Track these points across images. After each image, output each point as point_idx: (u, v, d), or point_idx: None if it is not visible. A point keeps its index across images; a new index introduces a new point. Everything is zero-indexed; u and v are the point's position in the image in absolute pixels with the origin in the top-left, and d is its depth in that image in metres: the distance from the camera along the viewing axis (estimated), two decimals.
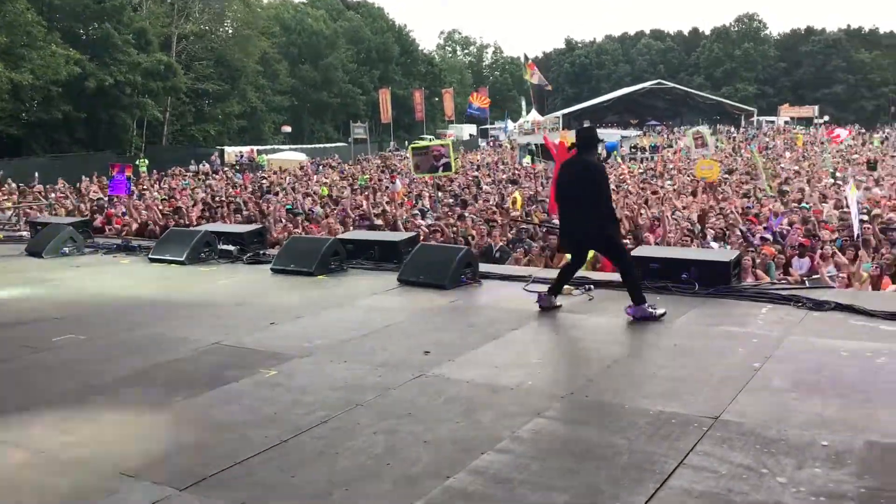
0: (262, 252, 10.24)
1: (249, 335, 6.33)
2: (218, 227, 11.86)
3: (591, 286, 7.69)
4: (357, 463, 3.84)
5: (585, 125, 7.69)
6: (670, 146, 44.80)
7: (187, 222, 14.67)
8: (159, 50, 45.63)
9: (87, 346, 6.11)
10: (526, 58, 51.71)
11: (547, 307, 6.87)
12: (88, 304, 7.72)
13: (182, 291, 8.27)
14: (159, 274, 9.33)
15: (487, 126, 69.23)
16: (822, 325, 6.23)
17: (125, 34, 42.02)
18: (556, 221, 13.72)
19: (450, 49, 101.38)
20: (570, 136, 19.73)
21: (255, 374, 5.27)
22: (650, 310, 6.49)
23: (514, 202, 16.32)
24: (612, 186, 20.59)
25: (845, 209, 12.65)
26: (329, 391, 4.91)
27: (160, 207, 16.32)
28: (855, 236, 11.52)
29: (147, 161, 38.08)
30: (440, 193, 20.07)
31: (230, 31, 55.69)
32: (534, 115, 58.15)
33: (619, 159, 37.43)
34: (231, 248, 10.17)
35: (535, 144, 35.90)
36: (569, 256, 10.43)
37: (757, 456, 3.79)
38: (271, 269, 9.20)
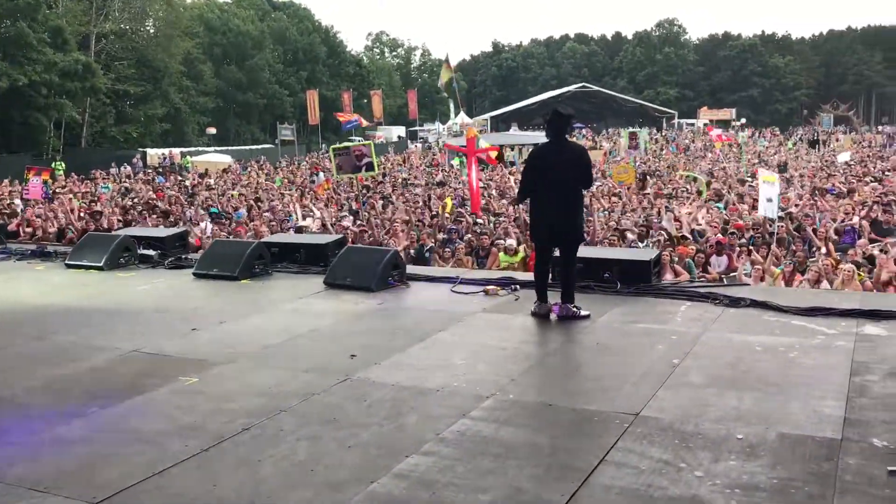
0: (184, 256, 9.99)
1: (170, 342, 6.17)
2: (138, 231, 11.52)
3: (517, 286, 7.75)
4: (280, 470, 3.78)
5: (563, 110, 7.45)
6: (595, 148, 45.58)
7: (107, 227, 14.23)
8: (77, 49, 44.02)
9: None
10: (447, 58, 51.31)
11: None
12: None
13: (100, 298, 8.00)
14: (76, 280, 8.99)
15: (416, 128, 69.22)
16: (738, 322, 6.43)
17: (40, 33, 40.42)
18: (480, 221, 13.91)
19: (378, 51, 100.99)
20: (477, 132, 19.64)
21: (175, 382, 5.14)
22: (574, 309, 6.60)
23: (443, 208, 16.34)
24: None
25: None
26: (252, 398, 4.82)
27: (79, 210, 15.80)
28: (763, 220, 12.03)
29: (64, 164, 36.73)
30: (366, 192, 20.00)
31: (152, 31, 54.22)
32: (462, 117, 58.34)
33: None
34: (151, 252, 9.89)
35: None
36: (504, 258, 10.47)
37: (675, 451, 3.88)
38: (193, 274, 8.99)
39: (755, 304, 6.83)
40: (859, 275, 9.31)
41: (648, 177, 22.85)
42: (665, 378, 4.99)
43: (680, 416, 4.33)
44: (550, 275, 6.84)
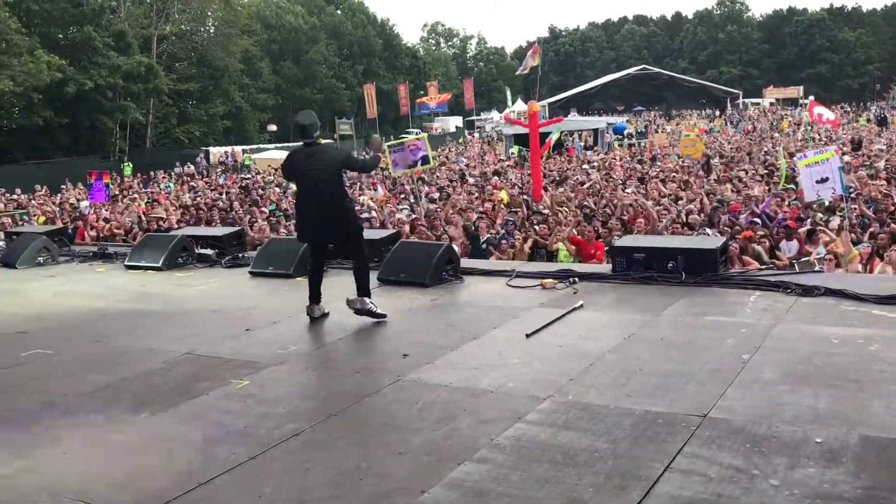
0: (240, 255, 10.00)
1: (223, 343, 6.12)
2: (196, 230, 11.60)
3: (576, 279, 7.49)
4: (328, 479, 3.65)
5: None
6: (658, 131, 44.65)
7: (168, 226, 14.42)
8: (139, 52, 45.10)
9: (53, 362, 5.88)
10: (540, 40, 50.01)
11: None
12: (59, 315, 7.46)
13: (156, 299, 8.03)
14: (134, 281, 9.06)
15: (473, 118, 68.88)
16: (813, 312, 6.04)
17: (104, 37, 41.45)
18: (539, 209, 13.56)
19: (433, 41, 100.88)
20: (536, 106, 19.02)
21: (227, 386, 5.06)
22: (371, 305, 6.42)
23: (500, 201, 15.98)
24: (601, 173, 20.37)
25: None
26: (302, 401, 4.72)
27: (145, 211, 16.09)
28: (807, 204, 11.45)
29: (131, 165, 37.70)
30: (425, 187, 19.78)
31: (211, 31, 55.17)
32: (519, 104, 57.81)
33: (616, 143, 37.54)
34: (209, 251, 9.92)
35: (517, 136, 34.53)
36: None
37: (747, 456, 3.60)
38: (249, 272, 8.98)
39: (830, 292, 6.42)
40: None
41: (711, 160, 22.11)
42: (735, 375, 4.68)
43: (752, 418, 4.04)
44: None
